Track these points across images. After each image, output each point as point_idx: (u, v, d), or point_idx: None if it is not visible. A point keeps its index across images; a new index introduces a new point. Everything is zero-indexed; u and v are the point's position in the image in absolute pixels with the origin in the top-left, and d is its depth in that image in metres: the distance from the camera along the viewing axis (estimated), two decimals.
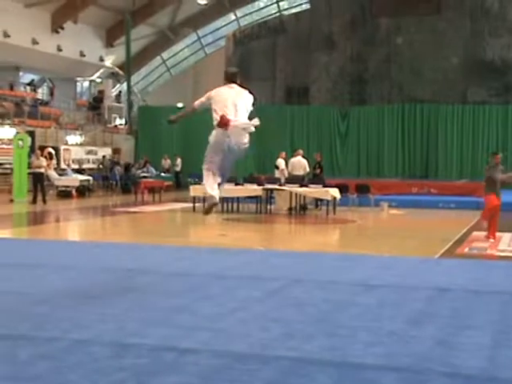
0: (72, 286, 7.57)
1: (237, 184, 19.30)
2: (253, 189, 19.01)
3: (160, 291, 7.33)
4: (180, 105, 38.30)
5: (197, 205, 19.36)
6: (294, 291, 7.43)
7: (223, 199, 19.28)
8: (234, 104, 7.16)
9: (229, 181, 19.42)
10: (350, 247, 12.42)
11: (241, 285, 7.77)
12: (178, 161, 31.23)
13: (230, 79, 7.44)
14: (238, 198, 19.36)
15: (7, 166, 25.56)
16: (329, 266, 9.44)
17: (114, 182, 29.89)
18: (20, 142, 23.29)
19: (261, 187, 18.97)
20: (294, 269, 9.05)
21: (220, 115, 7.01)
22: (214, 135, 7.22)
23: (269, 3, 44.20)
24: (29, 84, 34.49)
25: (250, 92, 7.46)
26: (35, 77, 36.62)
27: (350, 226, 16.47)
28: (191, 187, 20.02)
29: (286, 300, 6.94)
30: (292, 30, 36.67)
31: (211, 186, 7.39)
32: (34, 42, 33.48)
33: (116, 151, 33.76)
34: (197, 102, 7.54)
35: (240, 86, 7.40)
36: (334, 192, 18.44)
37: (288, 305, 6.71)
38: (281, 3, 43.93)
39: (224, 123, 7.01)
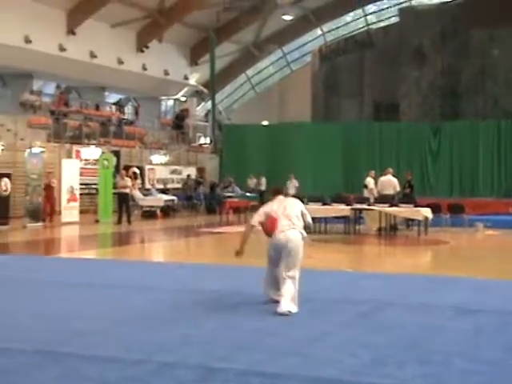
0: (156, 307, 7.71)
1: (324, 204, 19.24)
2: (341, 209, 18.90)
3: (246, 313, 7.36)
4: (265, 123, 38.63)
5: None
6: (385, 315, 7.33)
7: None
8: (286, 214, 8.02)
9: (316, 200, 19.46)
10: (442, 269, 12.15)
11: (329, 308, 7.72)
12: (263, 180, 31.41)
13: (277, 193, 8.45)
14: (325, 218, 19.27)
15: (93, 186, 26.33)
16: (420, 288, 9.28)
17: (199, 201, 30.32)
18: (105, 162, 23.98)
19: (349, 207, 18.85)
20: (383, 291, 8.94)
21: (265, 222, 7.97)
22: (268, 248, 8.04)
23: (356, 17, 44.10)
24: (114, 104, 35.52)
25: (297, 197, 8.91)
26: (120, 96, 37.71)
27: (442, 248, 16.13)
28: None
29: (376, 324, 6.85)
30: (380, 43, 36.47)
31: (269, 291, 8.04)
32: (120, 62, 34.49)
33: (200, 170, 34.27)
34: (255, 220, 8.15)
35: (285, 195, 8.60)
36: (426, 212, 18.12)
37: (378, 329, 6.62)
38: (368, 17, 43.75)
39: (270, 229, 7.96)
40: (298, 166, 32.83)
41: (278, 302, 7.53)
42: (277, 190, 8.64)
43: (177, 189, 31.12)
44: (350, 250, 16.13)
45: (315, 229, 19.06)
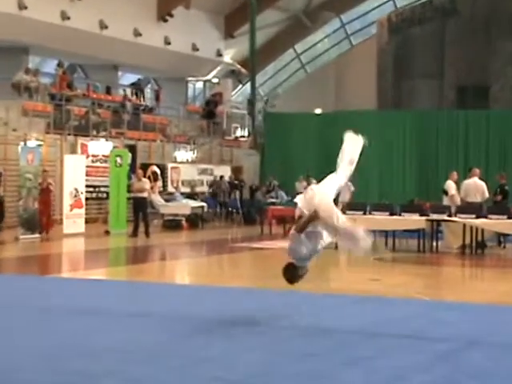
0: (178, 342, 7.73)
1: (392, 214, 19.12)
2: (414, 220, 18.77)
3: (292, 351, 7.35)
4: (318, 111, 38.56)
5: None
6: (472, 357, 7.24)
7: (374, 232, 19.16)
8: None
9: (382, 209, 19.37)
10: None
11: (399, 346, 7.68)
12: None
13: None
14: (394, 231, 19.16)
15: (102, 189, 26.58)
16: None
17: (235, 209, 30.42)
18: (118, 159, 24.18)
19: (424, 218, 18.71)
20: (469, 326, 8.84)
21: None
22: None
23: None
24: (130, 86, 35.79)
25: None
26: (137, 77, 38.02)
27: None
28: None
29: (460, 368, 6.78)
30: (466, 10, 36.20)
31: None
32: (137, 34, 34.74)
33: (236, 170, 34.35)
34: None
35: None
36: None
37: (464, 375, 6.55)
38: None
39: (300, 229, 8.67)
40: (359, 164, 32.65)
41: None
42: None
43: (207, 193, 31.27)
44: (426, 272, 15.99)
45: (381, 245, 18.98)
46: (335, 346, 7.64)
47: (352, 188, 29.18)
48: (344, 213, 10.08)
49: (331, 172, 9.83)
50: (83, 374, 6.39)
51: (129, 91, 34.75)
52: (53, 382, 6.18)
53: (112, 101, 33.17)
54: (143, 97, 35.65)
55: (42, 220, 21.34)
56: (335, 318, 9.24)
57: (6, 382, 6.18)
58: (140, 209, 22.38)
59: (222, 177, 31.80)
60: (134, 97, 34.54)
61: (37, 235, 20.94)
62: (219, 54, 40.46)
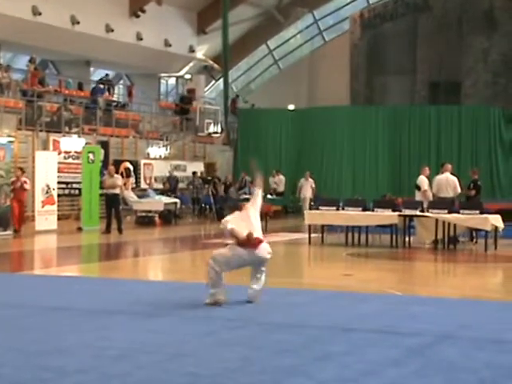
0: (157, 339, 7.72)
1: (365, 209, 19.19)
2: (386, 215, 18.84)
3: (265, 347, 7.37)
4: (291, 107, 38.62)
5: (313, 236, 19.38)
6: (444, 351, 7.29)
7: (347, 228, 19.24)
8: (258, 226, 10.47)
9: (354, 205, 19.44)
10: None
11: (371, 341, 7.71)
12: (281, 178, 31.51)
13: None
14: (366, 227, 19.23)
15: (75, 185, 26.48)
16: (490, 318, 9.22)
17: (207, 205, 30.40)
18: (90, 156, 24.10)
19: (397, 213, 18.78)
20: (441, 321, 8.90)
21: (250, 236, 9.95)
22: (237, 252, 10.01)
23: None
24: (101, 82, 35.63)
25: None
26: (109, 73, 37.86)
27: None
28: (306, 213, 20.06)
29: (432, 363, 6.82)
30: (438, 6, 36.37)
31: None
32: (109, 30, 34.60)
33: (209, 166, 34.34)
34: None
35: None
36: (495, 220, 18.02)
37: (436, 370, 6.59)
38: None
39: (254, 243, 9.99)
40: (333, 160, 32.86)
41: (218, 304, 9.53)
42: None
43: (180, 189, 31.22)
44: (398, 267, 16.07)
45: (353, 241, 19.05)
46: (308, 341, 7.66)
47: (313, 184, 29.40)
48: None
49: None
50: (58, 370, 6.38)
51: (100, 87, 34.58)
52: (29, 378, 6.16)
53: (84, 97, 33.02)
54: (111, 92, 35.45)
55: (15, 218, 21.24)
56: (308, 314, 9.27)
57: None
58: (112, 205, 22.33)
59: (194, 173, 31.78)
60: (106, 93, 34.37)
61: (8, 232, 20.83)
62: (192, 50, 40.40)
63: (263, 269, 10.25)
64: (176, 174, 31.38)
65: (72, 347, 7.29)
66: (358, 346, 7.46)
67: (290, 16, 43.66)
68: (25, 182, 21.51)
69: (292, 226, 27.04)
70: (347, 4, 44.25)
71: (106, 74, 36.28)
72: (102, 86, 33.79)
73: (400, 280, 13.99)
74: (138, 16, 35.94)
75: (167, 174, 30.77)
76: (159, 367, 6.59)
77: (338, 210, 19.31)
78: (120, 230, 22.02)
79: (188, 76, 41.36)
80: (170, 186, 30.12)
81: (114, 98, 36.93)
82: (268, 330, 8.27)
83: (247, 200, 28.51)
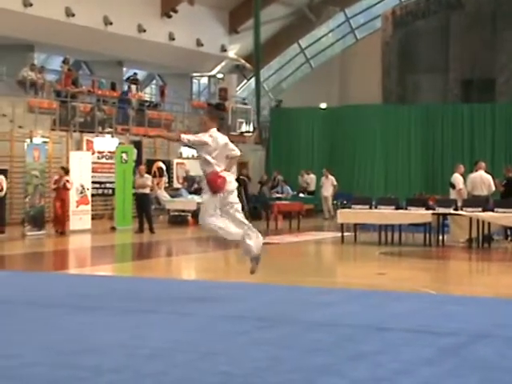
0: (189, 337, 7.73)
1: (398, 208, 19.12)
2: (419, 214, 18.76)
3: (297, 346, 7.35)
4: (323, 105, 38.54)
5: (346, 234, 19.33)
6: (479, 350, 7.23)
7: (380, 227, 19.17)
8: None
9: (387, 203, 19.37)
10: None
11: (405, 340, 7.67)
12: (311, 177, 31.43)
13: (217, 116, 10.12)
14: (399, 225, 19.16)
15: (108, 185, 26.61)
16: None
17: (241, 204, 30.37)
18: (124, 156, 24.21)
19: (430, 212, 18.70)
20: (476, 320, 8.83)
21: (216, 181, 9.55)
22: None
23: None
24: (133, 82, 35.78)
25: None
26: (142, 73, 37.99)
27: None
28: (338, 212, 20.01)
29: (466, 362, 6.77)
30: (471, 3, 36.10)
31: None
32: (141, 30, 34.71)
33: (241, 166, 34.34)
34: (189, 139, 9.95)
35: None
36: None
37: (470, 369, 6.53)
38: None
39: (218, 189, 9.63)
40: (365, 159, 32.76)
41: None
42: (215, 116, 10.03)
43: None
44: (432, 266, 16.00)
45: (387, 239, 18.97)
46: (341, 340, 7.63)
47: (334, 182, 29.36)
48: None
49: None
50: (93, 369, 6.40)
51: (133, 87, 34.77)
52: (65, 377, 6.19)
53: (117, 97, 33.17)
54: (144, 93, 35.61)
55: (58, 218, 21.37)
56: (340, 313, 9.24)
57: (18, 376, 6.19)
58: (143, 205, 22.42)
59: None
60: (139, 93, 34.52)
61: (43, 231, 21.01)
62: (224, 50, 40.42)
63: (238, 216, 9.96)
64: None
65: (106, 346, 7.31)
66: (391, 345, 7.43)
67: (321, 15, 43.54)
68: (67, 181, 21.61)
69: (324, 224, 27.03)
70: (379, 2, 44.04)
71: (135, 73, 36.42)
72: (128, 85, 33.99)
73: (434, 279, 13.93)
74: (170, 16, 36.02)
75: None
76: (192, 366, 6.60)
77: (370, 208, 19.26)
78: (151, 230, 22.10)
79: (220, 75, 41.40)
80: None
81: (147, 98, 37.11)
82: (300, 329, 8.24)
83: (280, 199, 28.65)
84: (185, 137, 9.94)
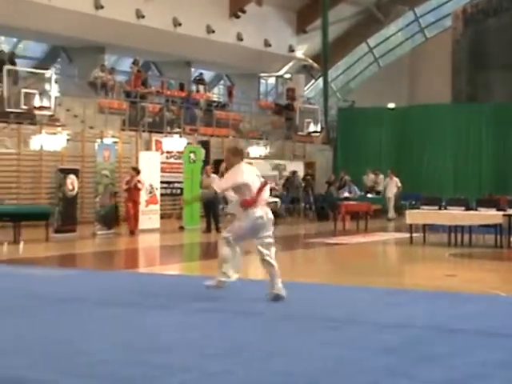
0: (252, 337, 7.75)
1: (468, 208, 18.87)
2: (490, 215, 18.48)
3: (364, 347, 7.30)
4: (392, 105, 38.28)
5: (415, 235, 19.16)
6: None
7: (449, 228, 18.95)
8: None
9: (457, 204, 19.12)
10: None
11: (476, 342, 7.57)
12: (380, 178, 31.21)
13: (239, 156, 10.11)
14: (469, 226, 18.90)
15: (176, 185, 26.81)
16: None
17: (308, 205, 30.38)
18: (192, 156, 24.37)
19: (501, 213, 18.41)
20: None
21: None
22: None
23: None
24: (199, 82, 35.95)
25: None
26: (209, 73, 38.20)
27: None
28: (407, 213, 19.84)
29: None
30: None
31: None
32: (209, 31, 34.93)
33: (309, 166, 34.32)
34: (220, 187, 10.32)
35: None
36: None
37: None
38: None
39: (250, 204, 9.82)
40: (434, 159, 32.43)
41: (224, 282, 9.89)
42: (239, 151, 10.31)
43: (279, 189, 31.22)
44: (503, 267, 15.78)
45: (456, 241, 18.74)
46: (410, 342, 7.57)
47: (399, 183, 29.14)
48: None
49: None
50: (164, 368, 6.46)
51: (201, 88, 35.00)
52: (138, 375, 6.26)
53: (185, 97, 33.39)
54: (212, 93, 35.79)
55: (130, 218, 21.60)
56: (409, 314, 9.16)
57: (92, 374, 6.29)
58: (210, 205, 22.51)
59: (294, 172, 31.76)
60: (207, 93, 34.70)
61: (113, 231, 21.27)
62: (291, 50, 40.45)
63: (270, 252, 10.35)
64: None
65: (176, 345, 7.38)
66: (462, 347, 7.34)
67: (390, 14, 43.27)
68: (138, 181, 21.79)
69: (389, 225, 26.84)
70: (449, 0, 43.57)
71: (200, 74, 36.62)
72: (196, 86, 34.26)
73: (504, 281, 13.71)
74: (238, 17, 36.18)
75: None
76: (258, 366, 6.60)
77: (440, 209, 19.04)
78: (218, 229, 22.18)
79: (288, 75, 41.41)
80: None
81: (215, 98, 37.30)
82: (368, 330, 8.19)
83: (347, 199, 28.48)
84: (219, 188, 10.19)
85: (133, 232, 21.37)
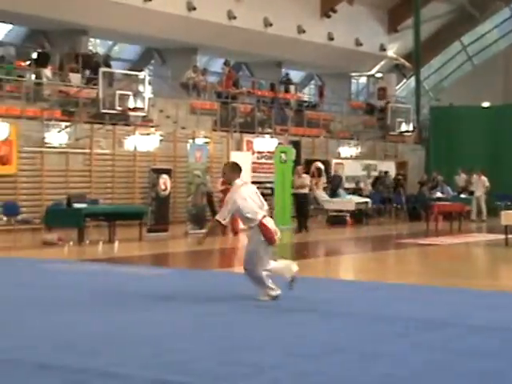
0: (348, 339, 7.74)
1: None
2: None
3: (460, 350, 7.23)
4: (486, 104, 37.66)
5: (510, 237, 18.83)
6: None
7: None
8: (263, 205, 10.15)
9: None
10: None
11: None
12: (474, 178, 30.69)
13: (238, 172, 10.26)
14: None
15: (267, 185, 26.89)
16: None
17: (399, 205, 30.13)
18: (283, 156, 24.44)
19: None
20: None
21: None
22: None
23: None
24: (286, 83, 35.93)
25: None
26: (300, 74, 38.18)
27: None
28: (502, 214, 19.50)
29: None
30: None
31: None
32: (300, 31, 34.96)
33: (401, 166, 34.03)
34: (224, 217, 10.02)
35: None
36: None
37: None
38: None
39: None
40: None
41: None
42: (237, 167, 10.38)
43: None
44: None
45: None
46: (507, 344, 7.45)
47: (486, 183, 28.62)
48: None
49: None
50: (254, 366, 6.52)
51: (292, 88, 35.05)
52: (229, 373, 6.34)
53: (276, 98, 33.48)
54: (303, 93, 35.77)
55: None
56: (506, 316, 9.02)
57: (186, 371, 6.39)
58: (301, 205, 22.56)
59: (386, 172, 31.55)
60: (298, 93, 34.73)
61: (204, 230, 21.40)
62: (383, 49, 40.17)
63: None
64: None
65: (267, 344, 7.43)
66: None
67: (485, 10, 42.52)
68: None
69: (478, 226, 26.43)
70: None
71: (286, 74, 36.65)
72: (286, 86, 34.35)
73: None
74: (329, 16, 36.11)
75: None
76: (351, 366, 6.60)
77: None
78: (306, 228, 22.25)
79: (379, 75, 41.13)
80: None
81: (305, 98, 37.30)
82: (463, 332, 8.11)
83: (440, 199, 28.09)
84: (222, 217, 10.03)
85: (236, 232, 21.31)
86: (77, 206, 18.33)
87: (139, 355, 6.90)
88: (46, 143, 22.32)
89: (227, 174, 10.27)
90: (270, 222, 9.94)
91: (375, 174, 31.98)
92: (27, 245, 17.98)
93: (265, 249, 9.91)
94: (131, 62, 34.27)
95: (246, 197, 9.90)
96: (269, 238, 9.81)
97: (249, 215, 9.83)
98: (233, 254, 18.71)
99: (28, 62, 25.60)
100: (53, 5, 26.40)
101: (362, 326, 8.42)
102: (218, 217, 10.15)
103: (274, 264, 10.03)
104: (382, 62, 41.26)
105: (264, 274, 9.85)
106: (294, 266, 10.09)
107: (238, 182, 10.10)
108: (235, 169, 10.29)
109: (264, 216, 9.90)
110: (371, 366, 6.60)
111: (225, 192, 21.59)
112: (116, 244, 18.43)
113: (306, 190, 22.80)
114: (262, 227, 9.78)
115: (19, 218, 19.47)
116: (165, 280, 12.54)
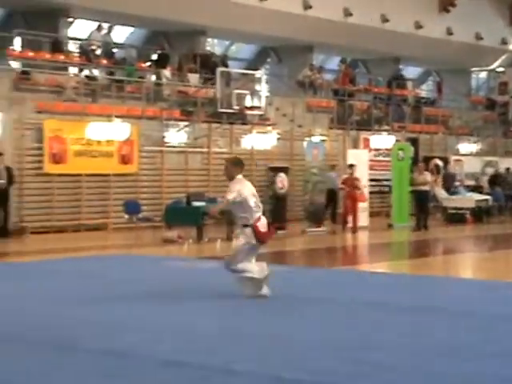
0: (466, 338, 7.70)
1: None
2: None
3: None
4: None
5: None
6: None
7: None
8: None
9: None
10: None
11: None
12: None
13: (241, 167, 10.20)
14: None
15: (385, 182, 26.75)
16: None
17: None
18: (400, 153, 24.25)
19: None
20: None
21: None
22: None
23: None
24: (398, 79, 35.51)
25: None
26: (417, 70, 37.74)
27: None
28: None
29: None
30: None
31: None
32: (418, 26, 34.58)
33: None
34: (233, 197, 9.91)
35: None
36: None
37: None
38: None
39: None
40: None
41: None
42: (239, 162, 10.34)
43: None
44: None
45: None
46: None
47: None
48: None
49: None
50: (375, 365, 6.57)
51: (410, 84, 34.73)
52: (350, 371, 6.42)
53: (393, 94, 33.23)
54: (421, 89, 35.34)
55: (346, 216, 21.73)
56: None
57: (303, 369, 6.43)
58: (422, 202, 22.37)
59: (508, 169, 30.88)
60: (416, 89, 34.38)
61: (322, 228, 21.50)
62: (504, 42, 39.33)
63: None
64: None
65: (387, 343, 7.46)
66: None
67: None
68: (355, 179, 21.90)
69: None
70: None
71: (399, 70, 36.27)
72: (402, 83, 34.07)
73: None
74: (448, 11, 35.64)
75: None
76: (479, 366, 6.56)
77: None
78: (426, 227, 22.05)
79: (500, 69, 40.29)
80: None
81: (423, 95, 36.88)
82: None
83: None
84: (218, 208, 10.68)
85: (355, 230, 21.38)
86: (196, 204, 18.68)
87: (256, 352, 7.07)
88: (165, 143, 22.81)
89: (229, 169, 10.14)
90: (263, 223, 9.91)
91: (490, 170, 31.30)
92: (148, 242, 18.42)
93: (252, 248, 9.94)
94: (247, 61, 34.57)
95: (250, 193, 9.93)
96: (261, 237, 9.83)
97: (247, 214, 9.82)
98: (346, 252, 18.75)
99: (148, 63, 26.19)
100: (172, 7, 26.93)
101: (485, 326, 8.34)
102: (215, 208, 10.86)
103: (250, 264, 9.99)
104: (504, 56, 40.38)
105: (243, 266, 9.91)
106: (266, 269, 9.97)
107: (239, 177, 10.04)
108: (238, 164, 10.23)
109: (259, 217, 9.88)
110: (492, 366, 6.55)
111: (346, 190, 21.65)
112: (233, 242, 18.64)
113: (427, 187, 22.61)
114: (255, 228, 9.78)
115: (140, 216, 19.93)
116: (281, 278, 12.66)
